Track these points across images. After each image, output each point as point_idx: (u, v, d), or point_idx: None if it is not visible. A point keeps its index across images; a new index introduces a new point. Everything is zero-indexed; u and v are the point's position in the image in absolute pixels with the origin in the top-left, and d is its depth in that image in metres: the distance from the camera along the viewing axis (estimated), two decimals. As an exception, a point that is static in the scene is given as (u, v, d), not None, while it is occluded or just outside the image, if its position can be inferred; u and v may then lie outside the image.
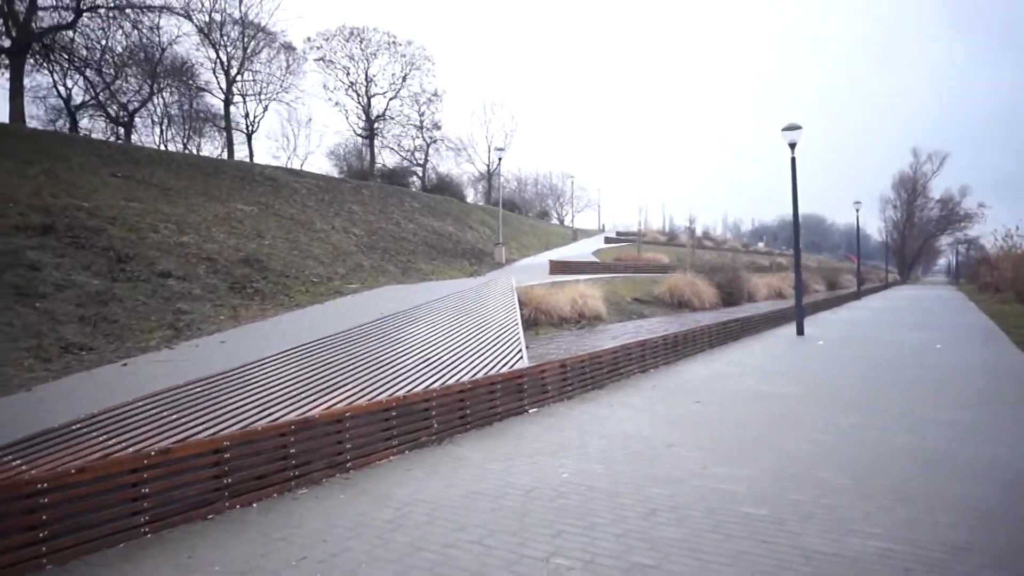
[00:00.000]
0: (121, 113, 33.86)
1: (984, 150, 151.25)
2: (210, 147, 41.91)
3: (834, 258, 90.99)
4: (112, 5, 23.38)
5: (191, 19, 26.40)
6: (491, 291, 14.35)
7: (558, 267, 24.25)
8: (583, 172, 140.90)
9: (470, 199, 59.02)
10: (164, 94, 34.96)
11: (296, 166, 46.19)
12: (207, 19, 27.90)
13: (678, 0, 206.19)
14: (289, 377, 6.28)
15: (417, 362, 7.37)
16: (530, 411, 7.37)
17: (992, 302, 30.98)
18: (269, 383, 6.04)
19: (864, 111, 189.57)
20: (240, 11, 28.01)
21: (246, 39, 28.99)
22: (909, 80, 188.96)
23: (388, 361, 7.29)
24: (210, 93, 30.75)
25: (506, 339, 9.22)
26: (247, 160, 34.78)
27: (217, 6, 27.85)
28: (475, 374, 7.04)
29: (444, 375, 6.86)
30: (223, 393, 5.60)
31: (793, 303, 26.11)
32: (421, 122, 45.05)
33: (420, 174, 47.35)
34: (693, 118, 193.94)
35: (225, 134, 31.24)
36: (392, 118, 39.50)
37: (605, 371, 9.20)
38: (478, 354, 8.14)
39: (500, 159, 31.15)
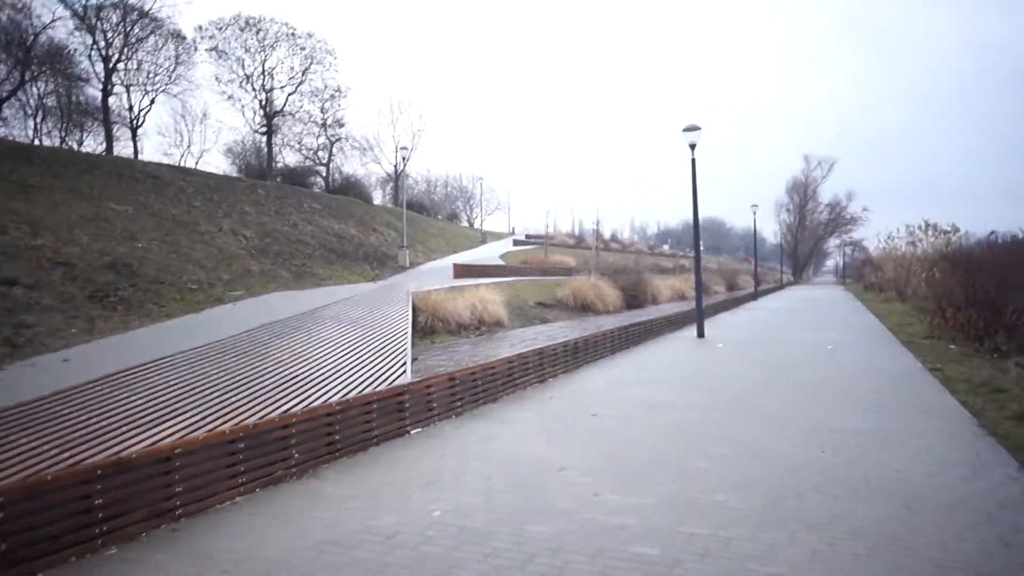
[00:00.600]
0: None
1: (869, 159, 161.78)
2: (93, 142, 38.81)
3: (734, 260, 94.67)
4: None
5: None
6: (385, 297, 13.56)
7: (462, 271, 23.64)
8: (493, 174, 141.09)
9: (377, 201, 57.62)
10: (38, 83, 31.98)
11: (190, 164, 43.62)
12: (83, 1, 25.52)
13: (588, 4, 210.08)
14: (116, 405, 5.34)
15: (282, 381, 6.54)
16: (412, 432, 6.68)
17: (877, 301, 32.66)
18: (90, 413, 5.09)
19: (762, 118, 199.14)
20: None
21: (127, 24, 26.73)
22: (804, 90, 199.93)
23: (247, 381, 6.43)
24: (86, 83, 28.23)
25: (392, 350, 8.50)
26: (130, 156, 32.30)
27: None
28: (349, 392, 6.29)
29: (312, 395, 6.07)
30: (21, 430, 4.62)
31: (705, 304, 26.78)
32: (324, 120, 43.40)
33: (324, 174, 45.61)
34: (601, 122, 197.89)
35: (103, 128, 28.74)
36: (292, 115, 37.68)
37: (499, 383, 8.62)
38: (357, 369, 7.39)
39: (406, 159, 30.33)
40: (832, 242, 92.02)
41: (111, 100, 30.85)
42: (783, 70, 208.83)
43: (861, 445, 5.96)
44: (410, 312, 11.21)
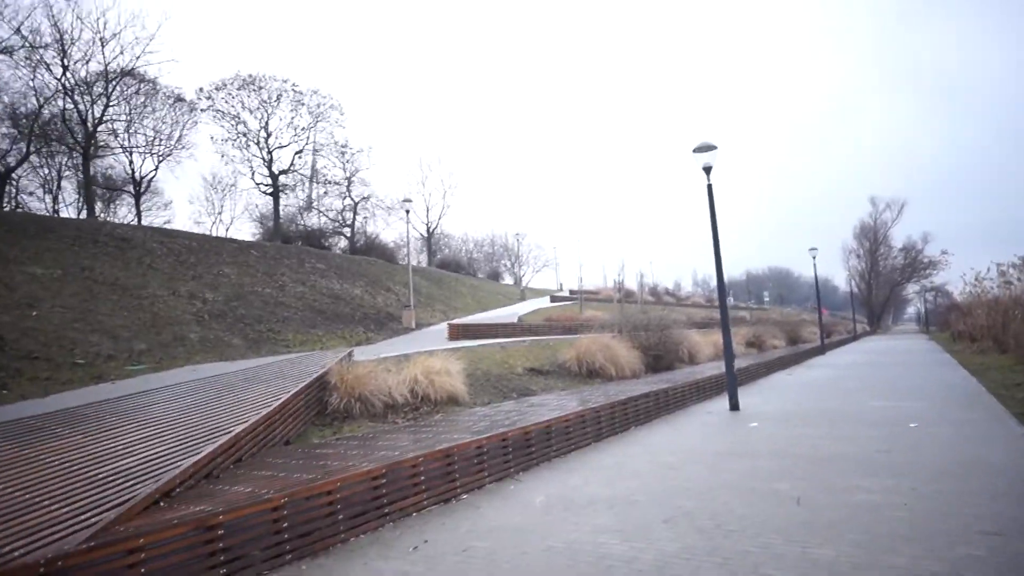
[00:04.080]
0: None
1: (940, 201, 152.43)
2: (124, 212, 37.94)
3: (803, 310, 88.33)
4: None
5: (10, 54, 22.47)
6: (287, 371, 10.36)
7: (459, 331, 20.41)
8: (543, 231, 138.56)
9: (415, 262, 55.56)
10: (41, 154, 31.11)
11: (221, 232, 42.41)
12: (60, 65, 24.22)
13: (640, 64, 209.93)
14: None
15: None
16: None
17: (969, 353, 27.59)
18: None
19: (823, 162, 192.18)
20: (101, 56, 24.46)
21: (110, 87, 25.36)
22: (866, 132, 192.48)
23: None
24: (72, 151, 26.81)
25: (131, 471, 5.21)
26: (130, 223, 30.83)
27: (75, 53, 24.33)
28: None
29: None
30: None
31: (749, 362, 22.51)
32: (348, 179, 41.70)
33: (348, 235, 43.68)
34: (656, 174, 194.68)
35: (83, 193, 27.23)
36: (305, 175, 35.89)
37: (323, 525, 5.19)
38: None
39: (408, 211, 27.49)
40: (911, 288, 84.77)
41: (113, 166, 29.72)
42: (844, 112, 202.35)
43: None
44: (284, 397, 7.92)
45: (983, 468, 6.77)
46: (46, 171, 34.88)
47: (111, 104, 25.82)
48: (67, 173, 34.38)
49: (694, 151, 12.60)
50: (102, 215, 35.55)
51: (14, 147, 29.44)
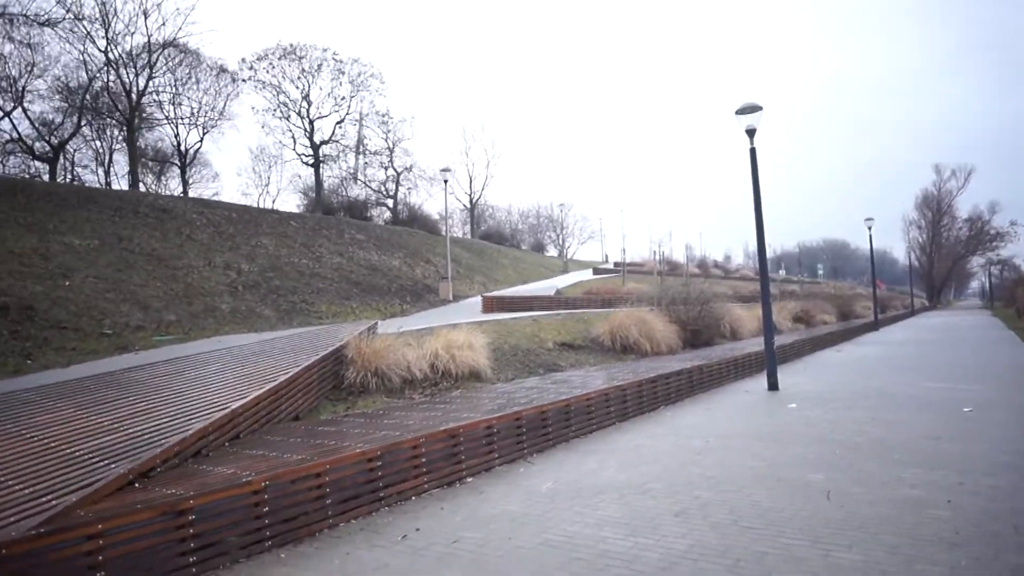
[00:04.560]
0: (45, 148, 30.69)
1: (1010, 169, 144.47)
2: (175, 184, 38.63)
3: (858, 284, 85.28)
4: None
5: (54, 27, 22.70)
6: (304, 344, 10.16)
7: (494, 304, 20.08)
8: (591, 202, 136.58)
9: (458, 234, 55.43)
10: (92, 127, 31.75)
11: (267, 204, 42.91)
12: (104, 38, 24.46)
13: (703, 37, 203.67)
14: None
15: None
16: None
17: (1036, 330, 26.08)
18: None
19: (885, 132, 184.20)
20: (144, 28, 24.61)
21: (152, 57, 25.54)
22: (930, 100, 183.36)
23: None
24: (119, 124, 27.21)
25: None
26: (176, 194, 31.29)
27: (118, 25, 24.51)
28: None
29: None
30: None
31: (794, 338, 21.52)
32: (390, 149, 41.53)
33: (391, 207, 43.67)
34: (713, 147, 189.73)
35: (129, 164, 27.66)
36: (347, 146, 35.76)
37: (310, 510, 4.91)
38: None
39: (446, 180, 27.12)
40: (975, 261, 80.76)
41: (162, 139, 30.15)
42: (911, 79, 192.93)
43: None
44: (292, 371, 7.68)
45: (1044, 461, 6.10)
46: (98, 144, 35.75)
47: (154, 76, 26.06)
48: (118, 146, 35.13)
49: (737, 112, 11.83)
50: (153, 187, 36.31)
51: (67, 120, 30.15)
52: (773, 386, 11.60)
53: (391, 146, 39.75)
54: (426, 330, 11.76)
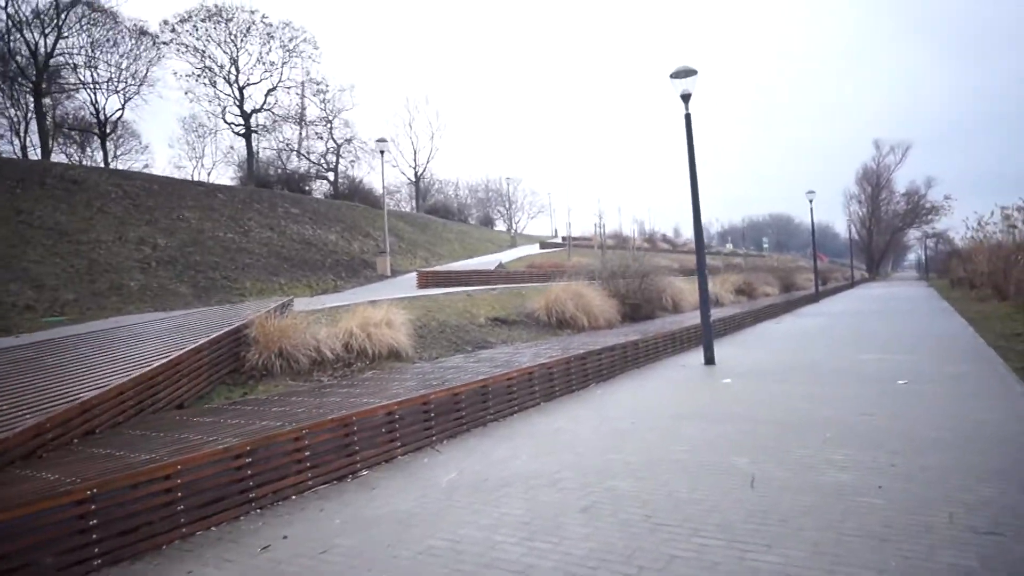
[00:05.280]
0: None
1: (945, 146, 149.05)
2: (101, 156, 36.28)
3: (801, 257, 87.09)
4: None
5: None
6: (198, 323, 9.31)
7: (429, 279, 19.35)
8: (540, 177, 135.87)
9: (406, 208, 54.17)
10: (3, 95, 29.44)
11: (203, 177, 40.93)
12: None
13: (655, 7, 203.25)
14: None
15: None
16: None
17: (967, 300, 26.64)
18: None
19: (829, 107, 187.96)
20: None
21: (61, 15, 23.64)
22: (871, 77, 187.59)
23: None
24: (22, 85, 25.20)
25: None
26: (95, 165, 29.39)
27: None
28: None
29: None
30: None
31: (735, 310, 21.38)
32: (329, 120, 39.98)
33: (331, 180, 42.21)
34: (663, 122, 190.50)
35: (39, 131, 25.76)
36: (285, 118, 34.17)
37: (155, 519, 4.18)
38: None
39: (383, 152, 26.04)
40: (912, 234, 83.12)
41: (84, 107, 28.20)
42: (851, 56, 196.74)
43: None
44: (174, 354, 6.86)
45: (977, 437, 5.76)
46: (14, 113, 33.30)
47: (63, 36, 24.14)
48: (33, 114, 32.79)
49: (671, 76, 11.27)
50: (76, 159, 34.06)
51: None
52: (709, 360, 11.23)
53: (330, 117, 38.28)
54: (346, 307, 10.99)
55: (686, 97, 11.26)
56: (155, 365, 6.38)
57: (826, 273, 51.13)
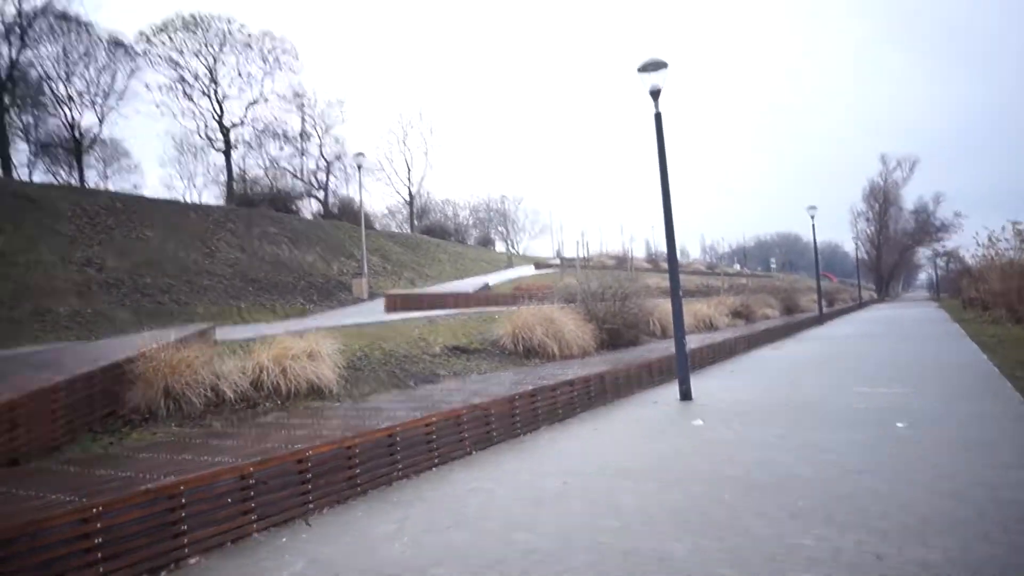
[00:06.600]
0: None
1: (954, 161, 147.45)
2: (92, 175, 35.46)
3: (809, 277, 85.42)
4: None
5: None
6: (93, 355, 8.10)
7: (398, 302, 18.15)
8: (542, 197, 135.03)
9: (394, 227, 53.17)
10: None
11: (194, 197, 40.05)
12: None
13: (645, 26, 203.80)
14: None
15: None
16: None
17: (980, 322, 25.13)
18: None
19: (835, 124, 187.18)
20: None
21: (26, 25, 22.81)
22: (875, 91, 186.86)
23: None
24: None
25: None
26: (69, 184, 28.44)
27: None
28: None
29: None
30: None
31: (728, 335, 19.82)
32: (320, 137, 39.12)
33: (320, 198, 41.28)
34: (678, 146, 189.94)
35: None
36: (267, 132, 33.29)
37: None
38: None
39: (359, 166, 24.98)
40: (923, 253, 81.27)
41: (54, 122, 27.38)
42: (856, 69, 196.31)
43: None
44: (5, 397, 5.64)
45: (988, 508, 4.42)
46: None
47: (27, 47, 23.31)
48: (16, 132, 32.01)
49: (639, 70, 10.07)
50: (62, 177, 33.18)
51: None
52: (686, 395, 9.91)
53: (319, 132, 37.41)
54: (271, 337, 9.75)
55: (655, 93, 10.07)
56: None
57: (832, 294, 49.68)
